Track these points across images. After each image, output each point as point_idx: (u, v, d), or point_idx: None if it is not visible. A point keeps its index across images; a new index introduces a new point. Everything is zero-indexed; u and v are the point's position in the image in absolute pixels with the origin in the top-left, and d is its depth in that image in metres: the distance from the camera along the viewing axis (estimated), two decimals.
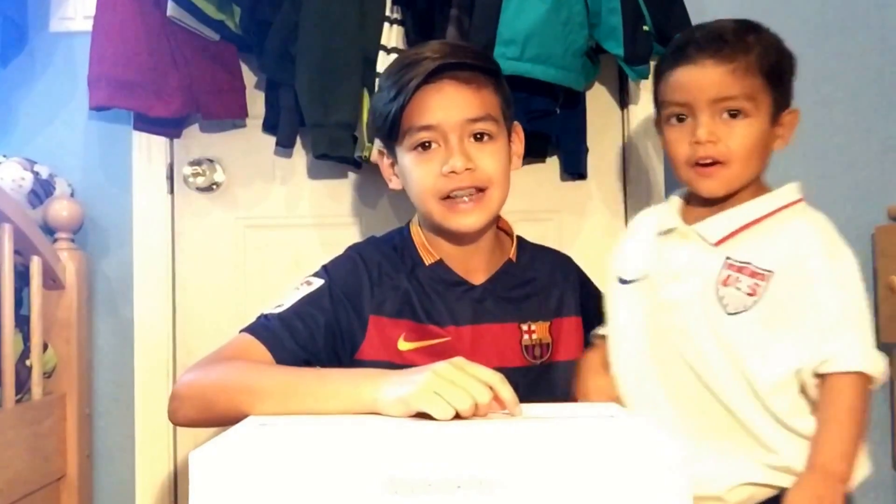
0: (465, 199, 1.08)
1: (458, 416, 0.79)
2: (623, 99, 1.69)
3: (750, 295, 0.95)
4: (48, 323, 1.54)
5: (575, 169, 1.64)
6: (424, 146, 1.08)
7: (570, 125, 1.60)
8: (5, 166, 1.55)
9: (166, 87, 1.53)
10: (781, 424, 0.95)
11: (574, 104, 1.57)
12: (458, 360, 0.83)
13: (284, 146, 1.64)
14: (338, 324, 1.09)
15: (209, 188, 1.71)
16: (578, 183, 1.67)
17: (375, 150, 1.19)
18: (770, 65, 1.00)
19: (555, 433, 0.75)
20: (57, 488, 1.55)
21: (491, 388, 0.81)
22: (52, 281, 1.55)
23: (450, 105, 1.07)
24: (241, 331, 1.06)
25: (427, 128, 1.07)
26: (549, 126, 1.53)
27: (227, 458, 0.66)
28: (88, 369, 1.66)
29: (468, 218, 1.09)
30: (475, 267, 1.16)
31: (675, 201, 1.09)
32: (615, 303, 1.09)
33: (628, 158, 1.68)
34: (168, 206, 1.70)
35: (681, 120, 1.02)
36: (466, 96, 1.08)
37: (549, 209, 1.68)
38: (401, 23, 1.48)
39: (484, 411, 0.80)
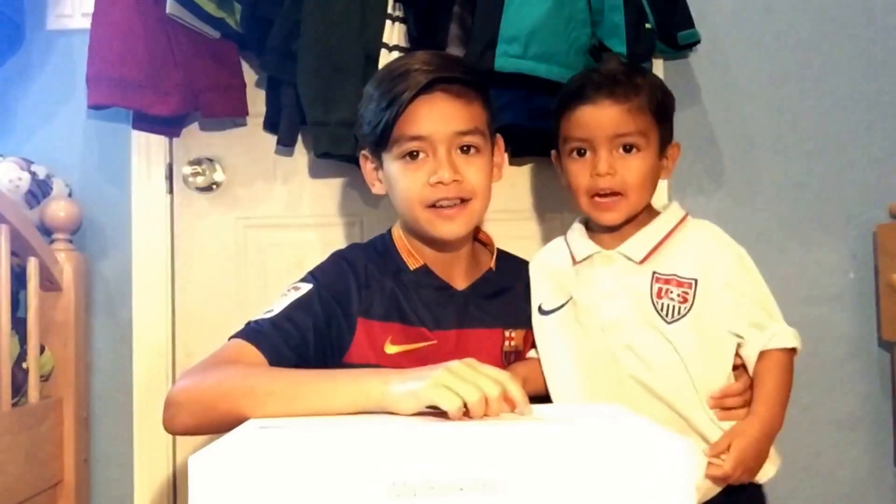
0: (450, 207, 1.11)
1: (468, 415, 0.79)
2: None
3: (682, 302, 1.08)
4: (45, 325, 1.53)
5: None
6: (412, 155, 1.11)
7: None
8: (2, 166, 1.55)
9: (166, 86, 1.52)
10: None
11: None
12: (470, 360, 0.84)
13: (285, 145, 1.63)
14: (327, 327, 1.09)
15: (209, 188, 1.70)
16: None
17: (360, 154, 1.20)
18: (657, 103, 1.13)
19: (558, 434, 0.75)
20: (54, 494, 1.54)
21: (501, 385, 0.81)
22: (50, 282, 1.54)
23: (441, 117, 1.10)
24: (230, 337, 1.06)
25: (417, 138, 1.10)
26: (552, 124, 1.52)
27: (227, 462, 0.65)
28: (86, 372, 1.65)
29: (451, 225, 1.12)
30: (456, 274, 1.19)
31: (580, 232, 1.20)
32: (543, 334, 1.18)
33: None
34: (167, 206, 1.69)
35: (581, 154, 1.14)
36: (457, 110, 1.10)
37: (552, 208, 1.67)
38: (403, 20, 1.47)
39: (494, 408, 0.80)
